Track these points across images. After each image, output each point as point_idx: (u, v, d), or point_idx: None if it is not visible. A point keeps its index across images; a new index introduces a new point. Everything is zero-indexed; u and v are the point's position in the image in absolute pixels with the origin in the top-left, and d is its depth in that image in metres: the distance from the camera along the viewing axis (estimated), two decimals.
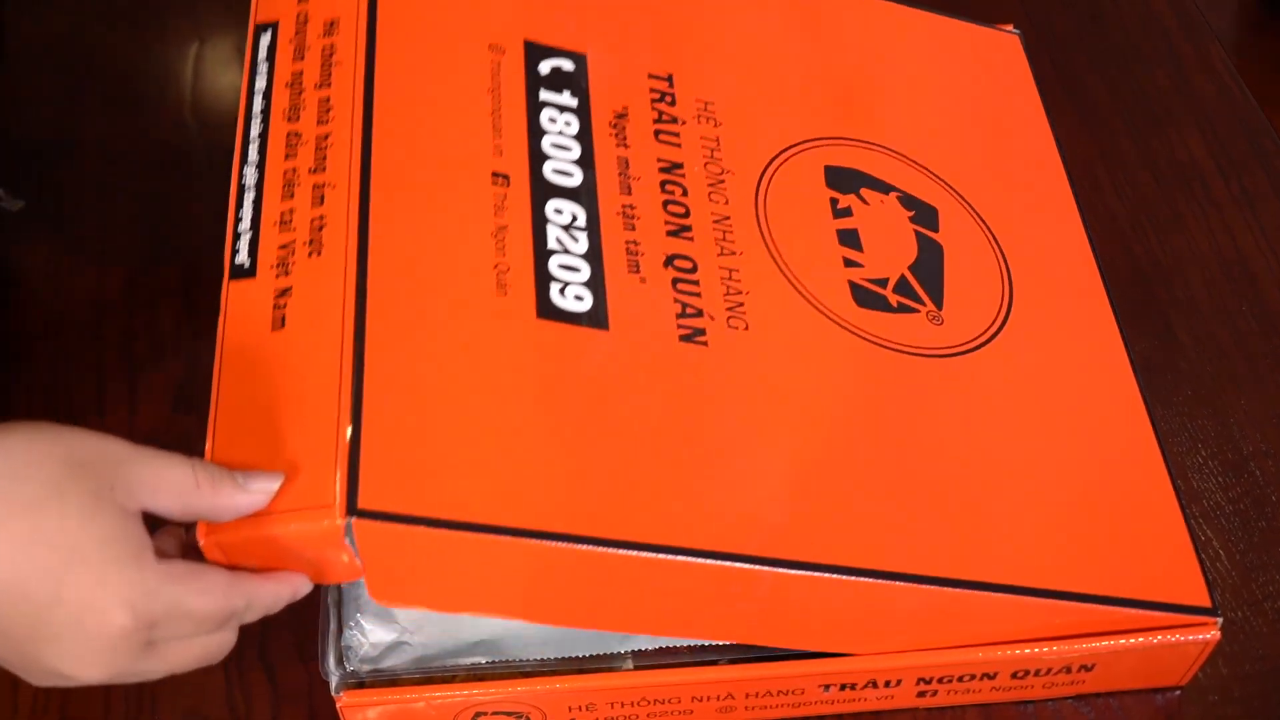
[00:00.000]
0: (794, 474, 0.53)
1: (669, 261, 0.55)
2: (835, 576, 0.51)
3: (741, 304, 0.56)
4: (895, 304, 0.59)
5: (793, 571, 0.50)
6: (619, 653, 0.55)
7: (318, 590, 0.56)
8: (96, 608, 0.44)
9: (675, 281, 0.55)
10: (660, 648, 0.55)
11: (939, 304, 0.60)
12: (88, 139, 0.78)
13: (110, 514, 0.44)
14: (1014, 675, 0.56)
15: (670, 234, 0.56)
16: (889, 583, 0.51)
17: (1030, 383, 0.59)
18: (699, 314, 0.54)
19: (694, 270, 0.55)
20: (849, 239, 0.60)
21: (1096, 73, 0.82)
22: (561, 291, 0.52)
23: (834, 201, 0.61)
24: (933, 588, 0.52)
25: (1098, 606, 0.54)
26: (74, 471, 0.44)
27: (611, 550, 0.48)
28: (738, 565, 0.50)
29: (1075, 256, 0.65)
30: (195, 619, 0.46)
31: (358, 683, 0.54)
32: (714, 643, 0.55)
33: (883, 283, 0.59)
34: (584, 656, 0.55)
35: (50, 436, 0.45)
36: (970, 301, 0.61)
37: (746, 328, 0.55)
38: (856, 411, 0.55)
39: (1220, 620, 0.55)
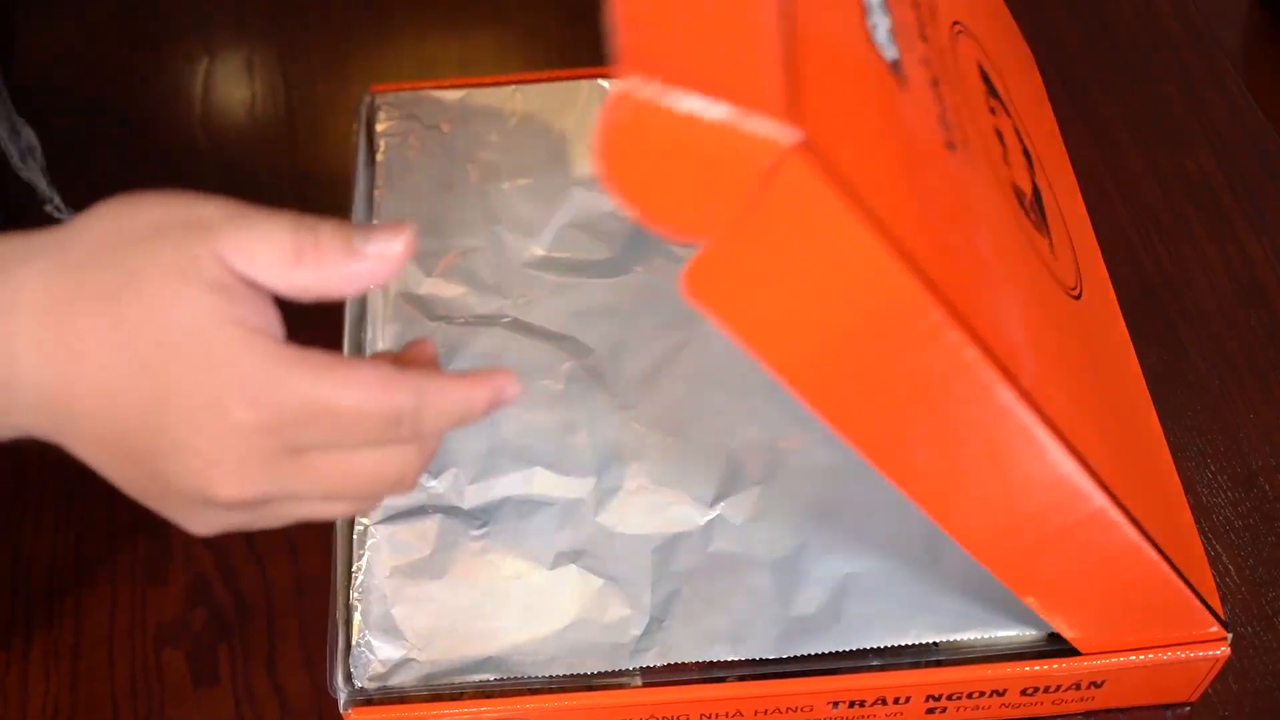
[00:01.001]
0: (1031, 331, 0.49)
1: (924, 60, 0.50)
2: (1068, 454, 0.46)
3: (968, 141, 0.51)
4: (1034, 221, 0.56)
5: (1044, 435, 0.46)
6: (627, 669, 0.55)
7: (326, 606, 0.57)
8: (210, 404, 0.36)
9: (932, 83, 0.49)
10: (669, 664, 0.55)
11: (1050, 244, 0.57)
12: (98, 155, 0.78)
13: (201, 292, 0.36)
14: (1023, 692, 0.56)
15: (919, 37, 0.50)
16: (1092, 483, 0.47)
17: (1097, 354, 0.59)
18: (950, 127, 0.49)
19: (938, 85, 0.50)
20: (1000, 139, 0.56)
21: (1104, 85, 0.82)
22: (874, 29, 0.46)
23: (987, 97, 0.57)
24: (1106, 502, 0.48)
25: (1163, 563, 0.52)
26: (151, 246, 0.37)
27: (958, 336, 0.41)
28: (1021, 414, 0.44)
29: (1096, 265, 0.65)
30: (343, 419, 0.37)
31: (366, 700, 0.54)
32: (722, 659, 0.55)
33: (1023, 196, 0.56)
34: (592, 674, 0.55)
35: (130, 211, 0.38)
36: (1063, 256, 0.59)
37: (974, 169, 0.51)
38: (1043, 298, 0.52)
39: (1230, 636, 0.55)
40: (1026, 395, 0.44)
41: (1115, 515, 0.49)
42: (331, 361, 0.37)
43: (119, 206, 0.39)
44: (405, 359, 0.41)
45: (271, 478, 0.37)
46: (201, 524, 0.40)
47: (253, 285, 0.38)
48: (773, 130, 0.36)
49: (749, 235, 0.38)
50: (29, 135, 0.71)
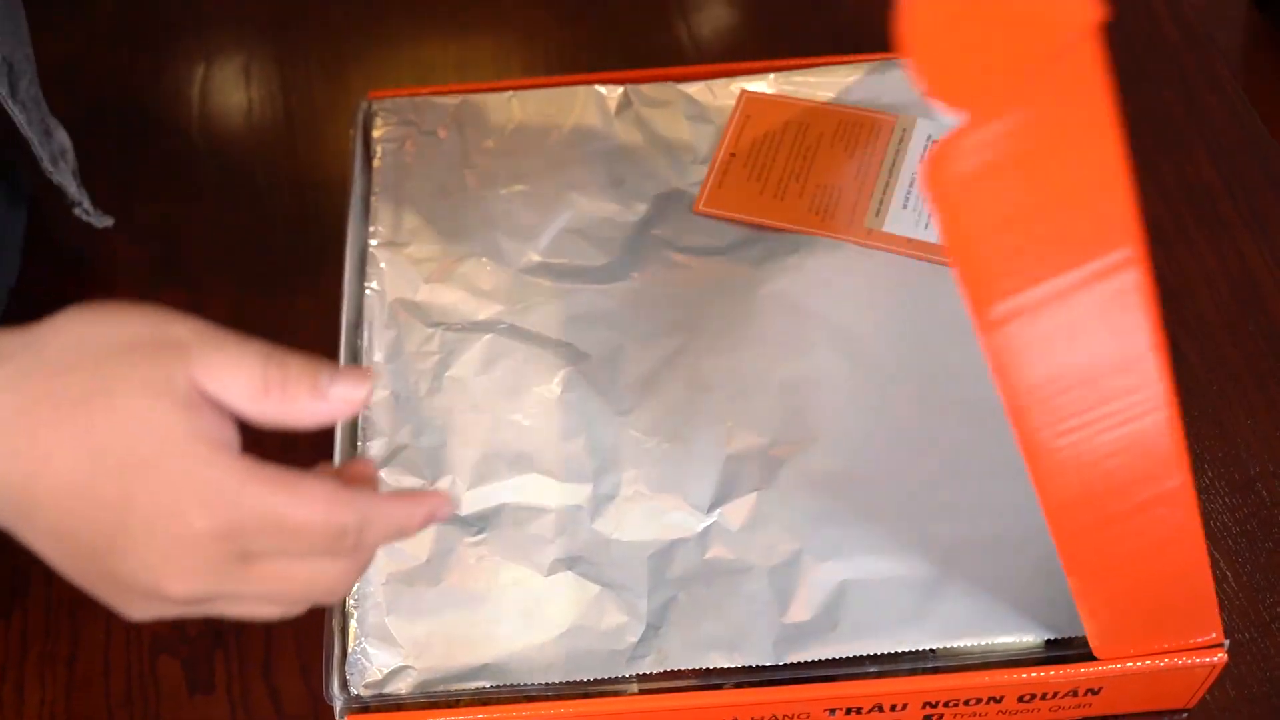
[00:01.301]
0: None
1: None
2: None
3: None
4: None
5: None
6: (624, 676, 0.55)
7: (322, 613, 0.57)
8: (171, 510, 0.39)
9: None
10: (665, 671, 0.55)
11: None
12: (96, 160, 0.78)
13: (171, 407, 0.39)
14: (1020, 699, 0.56)
15: None
16: (1181, 454, 0.48)
17: None
18: None
19: None
20: None
21: None
22: None
23: None
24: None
25: (1205, 553, 0.51)
26: (126, 360, 0.39)
27: None
28: (1155, 363, 0.44)
29: None
30: (291, 531, 0.40)
31: (362, 707, 0.54)
32: (719, 665, 0.55)
33: None
34: (589, 681, 0.55)
35: (104, 321, 0.40)
36: None
37: None
38: None
39: (1227, 643, 0.55)
40: (1163, 343, 0.44)
41: (1188, 494, 0.48)
42: (286, 477, 0.40)
43: (93, 315, 0.41)
44: (348, 475, 0.44)
45: (219, 579, 0.40)
46: (140, 612, 0.42)
47: (217, 404, 0.40)
48: (1082, 5, 0.36)
49: (1022, 111, 0.38)
50: (62, 138, 0.70)
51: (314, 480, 0.40)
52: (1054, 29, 0.37)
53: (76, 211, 0.71)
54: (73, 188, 0.70)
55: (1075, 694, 0.56)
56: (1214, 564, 0.63)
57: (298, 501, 0.40)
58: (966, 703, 0.56)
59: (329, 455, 0.60)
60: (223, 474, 0.39)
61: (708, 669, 0.55)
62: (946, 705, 0.56)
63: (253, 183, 0.79)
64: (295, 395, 0.40)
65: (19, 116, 0.65)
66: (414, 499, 0.43)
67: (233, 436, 0.40)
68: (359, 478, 0.44)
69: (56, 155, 0.69)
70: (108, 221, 0.72)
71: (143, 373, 0.39)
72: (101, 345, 0.40)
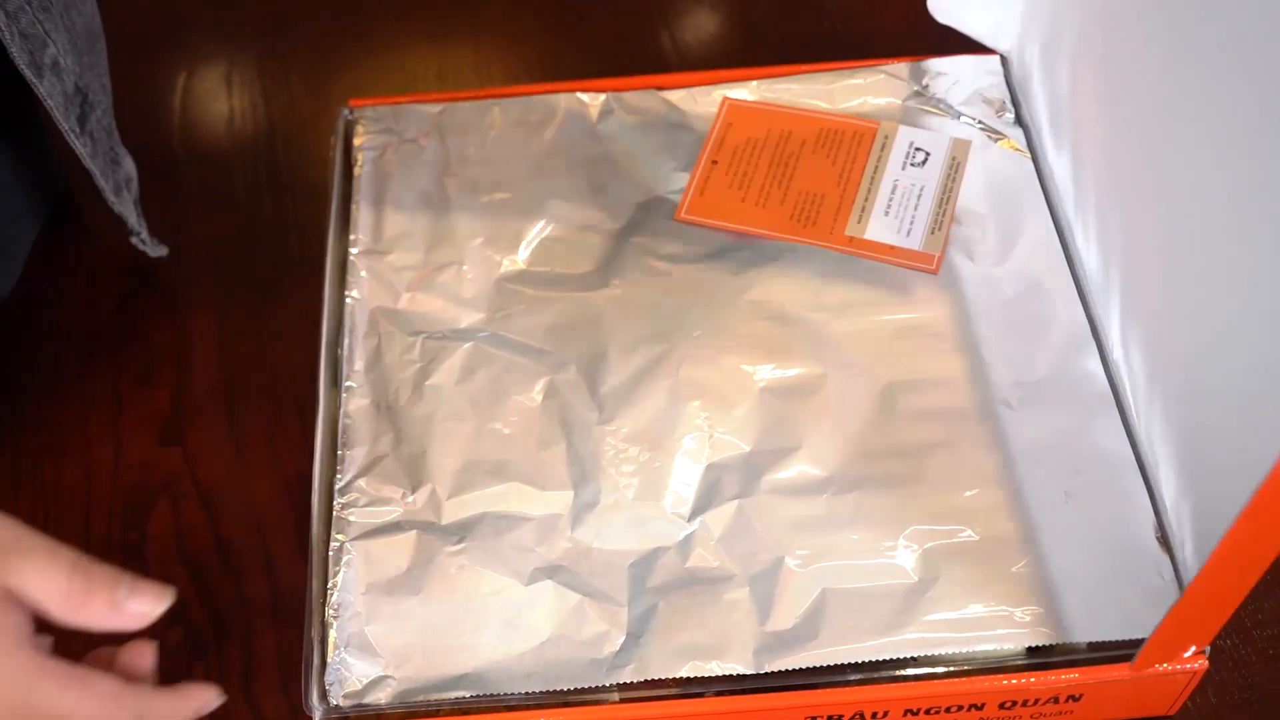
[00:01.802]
0: None
1: None
2: None
3: None
4: None
5: None
6: (605, 686, 0.55)
7: (303, 623, 0.56)
8: None
9: None
10: (646, 680, 0.55)
11: None
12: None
13: None
14: (1001, 705, 0.56)
15: None
16: None
17: None
18: None
19: None
20: None
21: None
22: None
23: None
24: None
25: None
26: None
27: None
28: None
29: None
30: None
31: (341, 717, 0.54)
32: (700, 674, 0.55)
33: None
34: (569, 690, 0.55)
35: None
36: None
37: None
38: None
39: (1209, 649, 0.55)
40: None
41: None
42: (76, 674, 0.44)
43: None
44: (127, 665, 0.48)
45: None
46: None
47: (23, 603, 0.44)
48: None
49: None
50: (129, 167, 0.71)
51: (100, 678, 0.45)
52: None
53: (134, 240, 0.71)
54: (133, 218, 0.70)
55: (1056, 701, 0.56)
56: None
57: (84, 698, 0.44)
58: (948, 710, 0.56)
59: (310, 460, 0.60)
60: (20, 668, 0.43)
61: (689, 678, 0.55)
62: (928, 712, 0.56)
63: (234, 191, 0.78)
64: (94, 606, 0.45)
65: (83, 150, 0.65)
66: (185, 695, 0.48)
67: (32, 630, 0.44)
68: (138, 670, 0.48)
69: (121, 185, 0.69)
70: (162, 251, 0.72)
71: None
72: None
